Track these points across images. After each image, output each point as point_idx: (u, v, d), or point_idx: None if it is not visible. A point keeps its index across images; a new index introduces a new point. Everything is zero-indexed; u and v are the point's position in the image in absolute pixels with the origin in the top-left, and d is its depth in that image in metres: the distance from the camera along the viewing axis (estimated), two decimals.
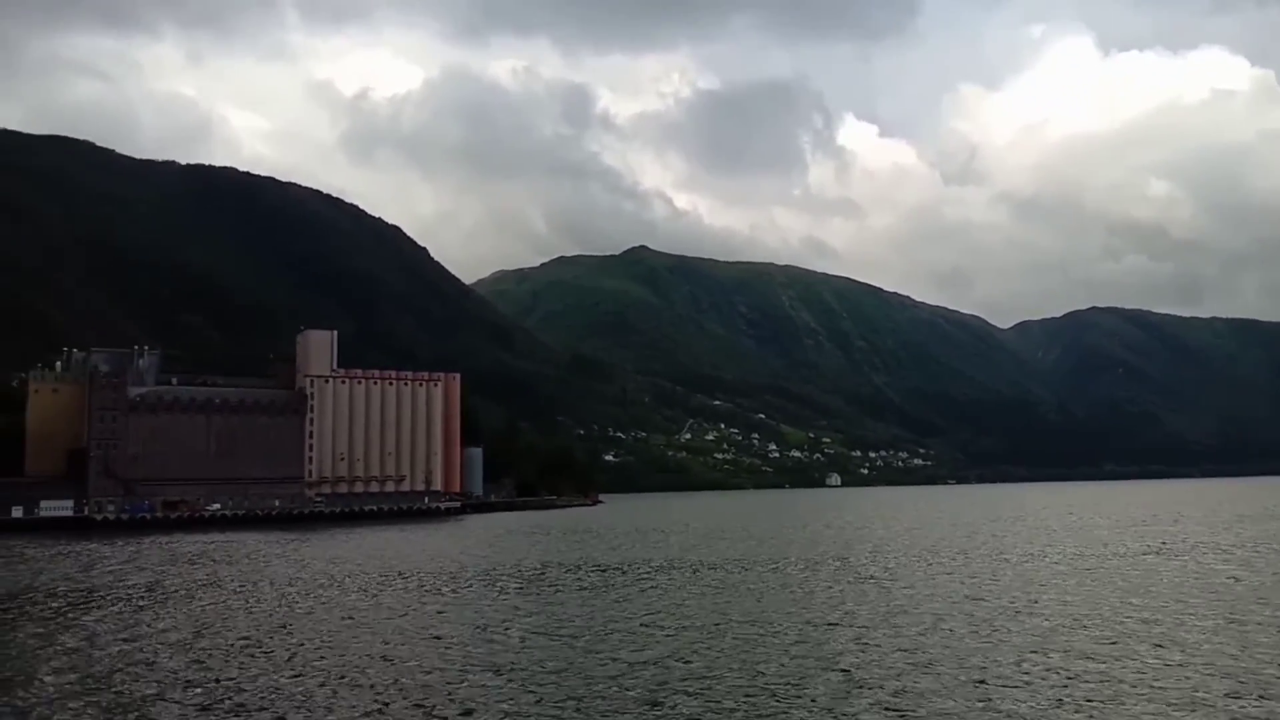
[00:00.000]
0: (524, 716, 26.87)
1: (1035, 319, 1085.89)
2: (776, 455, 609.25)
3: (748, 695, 28.96)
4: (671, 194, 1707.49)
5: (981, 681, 30.60)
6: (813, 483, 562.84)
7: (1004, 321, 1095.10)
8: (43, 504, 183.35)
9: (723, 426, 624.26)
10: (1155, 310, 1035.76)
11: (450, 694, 29.61)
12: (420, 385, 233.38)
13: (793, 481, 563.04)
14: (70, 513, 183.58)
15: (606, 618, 45.67)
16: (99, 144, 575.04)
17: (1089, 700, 28.40)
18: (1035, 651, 36.10)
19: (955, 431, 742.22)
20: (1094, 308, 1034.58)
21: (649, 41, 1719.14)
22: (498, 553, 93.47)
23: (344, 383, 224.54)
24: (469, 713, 27.49)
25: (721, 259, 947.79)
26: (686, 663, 34.01)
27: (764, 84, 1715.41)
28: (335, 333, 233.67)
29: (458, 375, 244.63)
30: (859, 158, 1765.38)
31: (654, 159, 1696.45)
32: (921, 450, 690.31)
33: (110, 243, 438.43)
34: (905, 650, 36.52)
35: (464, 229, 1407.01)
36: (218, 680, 33.29)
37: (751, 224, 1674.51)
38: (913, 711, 27.24)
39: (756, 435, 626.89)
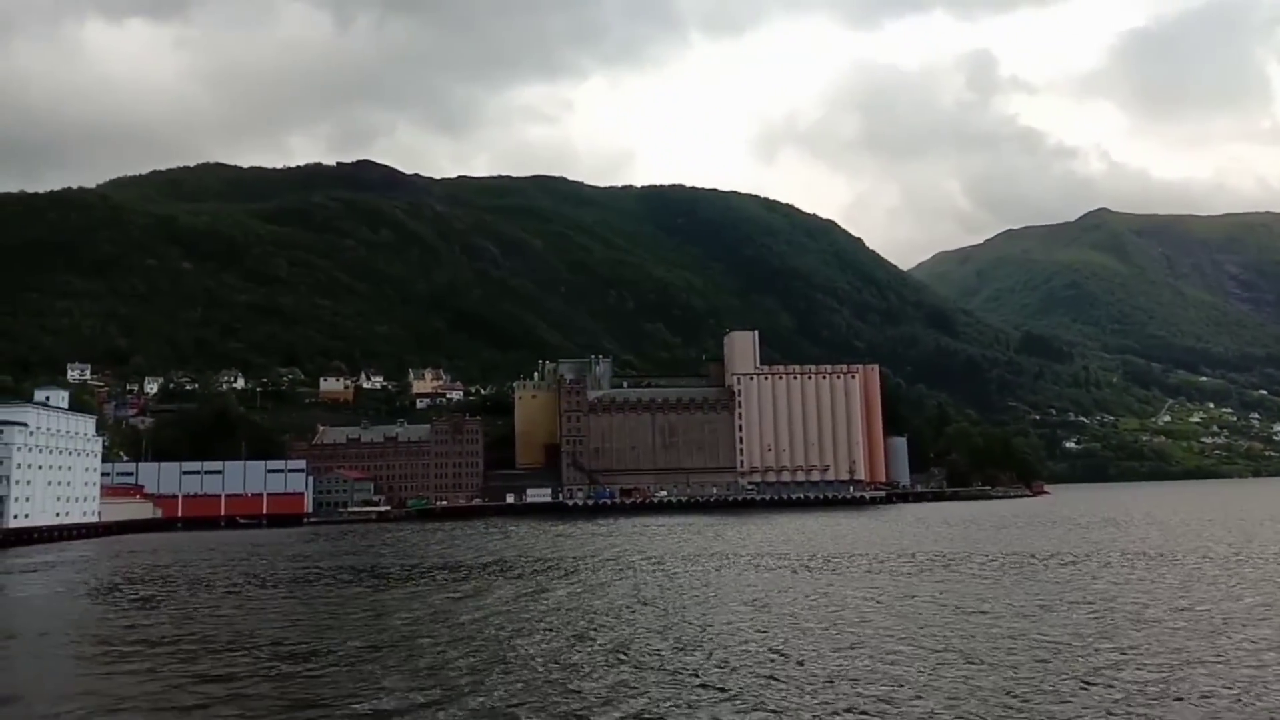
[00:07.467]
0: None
1: None
2: None
3: None
4: (1107, 149, 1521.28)
5: None
6: None
7: None
8: (528, 492, 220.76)
9: (1211, 406, 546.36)
10: None
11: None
12: (839, 378, 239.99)
13: None
14: (548, 499, 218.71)
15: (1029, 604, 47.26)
16: (570, 178, 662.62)
17: None
18: None
19: None
20: None
21: None
22: (936, 541, 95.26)
23: (766, 379, 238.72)
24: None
25: (1198, 213, 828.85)
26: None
27: (1203, 7, 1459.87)
28: (756, 332, 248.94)
29: (876, 366, 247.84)
30: None
31: (1079, 114, 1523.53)
32: None
33: (586, 265, 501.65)
34: None
35: (885, 215, 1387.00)
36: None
37: (1216, 168, 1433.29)
38: None
39: (1256, 415, 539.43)
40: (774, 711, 27.60)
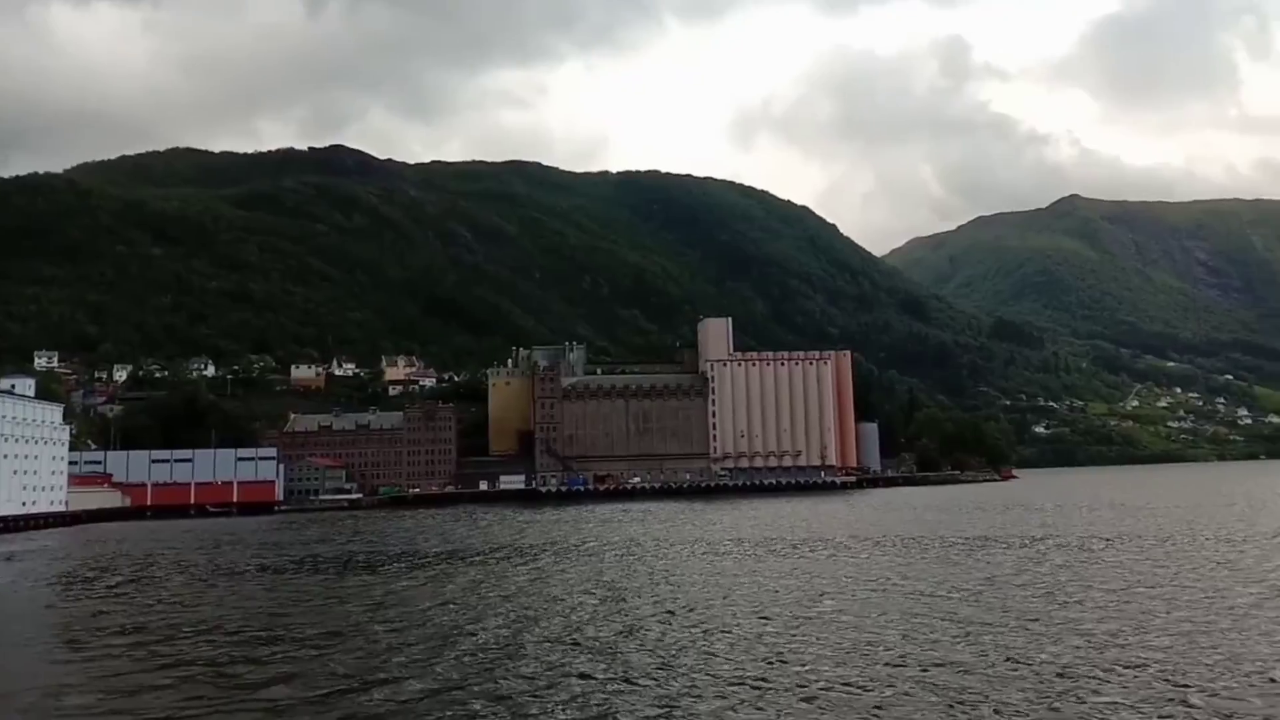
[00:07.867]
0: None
1: None
2: (1249, 422, 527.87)
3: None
4: (1079, 135, 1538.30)
5: None
6: None
7: None
8: (501, 479, 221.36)
9: (1178, 391, 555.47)
10: None
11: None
12: (810, 364, 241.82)
13: (1270, 451, 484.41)
14: (522, 486, 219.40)
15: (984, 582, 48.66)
16: (545, 163, 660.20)
17: None
18: None
19: None
20: None
21: None
22: (891, 525, 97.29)
23: (740, 365, 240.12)
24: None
25: (1168, 200, 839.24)
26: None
27: None
28: (730, 319, 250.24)
29: (848, 352, 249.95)
30: None
31: (1051, 101, 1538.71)
32: None
33: (561, 251, 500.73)
34: None
35: (859, 201, 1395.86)
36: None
37: (1186, 155, 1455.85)
38: None
39: (1222, 399, 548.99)
40: (718, 693, 28.39)
